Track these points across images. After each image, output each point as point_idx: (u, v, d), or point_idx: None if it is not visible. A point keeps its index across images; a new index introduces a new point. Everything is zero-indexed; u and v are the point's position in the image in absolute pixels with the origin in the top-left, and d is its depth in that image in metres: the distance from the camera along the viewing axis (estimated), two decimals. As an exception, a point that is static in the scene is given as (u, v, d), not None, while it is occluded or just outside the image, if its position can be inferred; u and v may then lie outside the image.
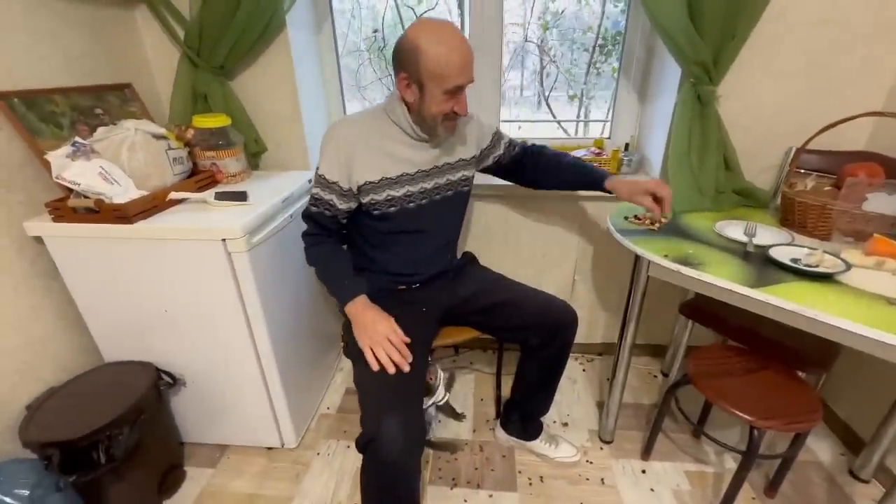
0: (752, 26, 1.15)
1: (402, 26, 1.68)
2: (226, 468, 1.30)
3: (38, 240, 1.06)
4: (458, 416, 1.49)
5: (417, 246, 1.08)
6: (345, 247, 1.12)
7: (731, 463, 1.30)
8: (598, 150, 1.53)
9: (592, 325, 1.74)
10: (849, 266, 0.87)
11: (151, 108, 1.37)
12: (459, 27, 0.99)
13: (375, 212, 1.00)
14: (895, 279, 0.83)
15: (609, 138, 1.63)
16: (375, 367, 0.89)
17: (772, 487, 1.18)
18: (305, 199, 1.33)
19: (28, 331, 1.07)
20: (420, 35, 0.84)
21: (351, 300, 0.97)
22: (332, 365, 1.71)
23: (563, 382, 1.63)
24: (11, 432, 1.00)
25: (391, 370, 0.88)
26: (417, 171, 1.01)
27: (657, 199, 1.03)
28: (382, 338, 0.91)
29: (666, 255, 0.96)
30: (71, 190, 1.02)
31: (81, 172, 0.98)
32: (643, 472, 1.27)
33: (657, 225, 1.13)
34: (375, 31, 1.71)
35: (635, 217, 1.18)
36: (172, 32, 1.30)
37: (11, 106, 1.00)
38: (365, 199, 0.99)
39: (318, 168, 0.98)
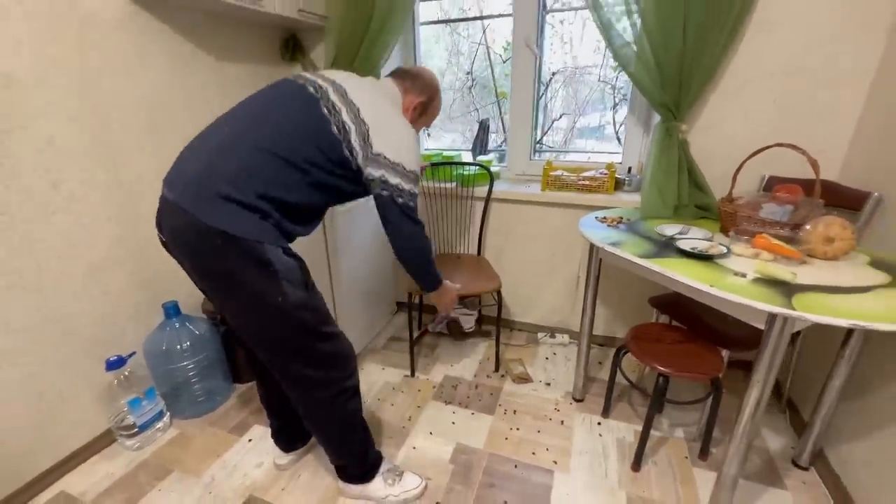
0: (706, 80, 1.48)
1: (492, 68, 2.24)
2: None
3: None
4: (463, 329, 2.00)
5: None
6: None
7: (680, 433, 1.52)
8: (606, 172, 1.90)
9: (595, 319, 2.04)
10: (729, 253, 1.16)
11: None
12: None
13: None
14: (758, 263, 1.11)
15: (621, 163, 1.99)
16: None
17: (703, 451, 1.40)
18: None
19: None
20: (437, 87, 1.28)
21: (443, 281, 1.36)
22: (386, 311, 2.30)
23: (559, 360, 1.97)
24: (198, 306, 1.74)
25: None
26: None
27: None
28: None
29: (602, 240, 1.34)
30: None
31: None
32: (598, 423, 1.58)
33: (616, 223, 1.49)
34: (468, 72, 2.32)
35: (604, 218, 1.55)
36: (313, 83, 2.06)
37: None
38: None
39: (408, 167, 1.07)
